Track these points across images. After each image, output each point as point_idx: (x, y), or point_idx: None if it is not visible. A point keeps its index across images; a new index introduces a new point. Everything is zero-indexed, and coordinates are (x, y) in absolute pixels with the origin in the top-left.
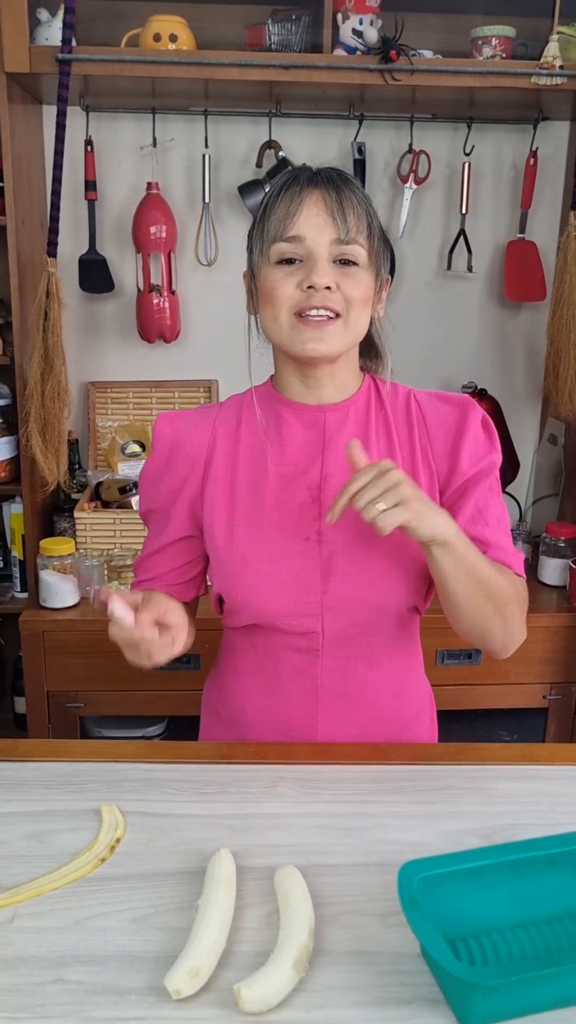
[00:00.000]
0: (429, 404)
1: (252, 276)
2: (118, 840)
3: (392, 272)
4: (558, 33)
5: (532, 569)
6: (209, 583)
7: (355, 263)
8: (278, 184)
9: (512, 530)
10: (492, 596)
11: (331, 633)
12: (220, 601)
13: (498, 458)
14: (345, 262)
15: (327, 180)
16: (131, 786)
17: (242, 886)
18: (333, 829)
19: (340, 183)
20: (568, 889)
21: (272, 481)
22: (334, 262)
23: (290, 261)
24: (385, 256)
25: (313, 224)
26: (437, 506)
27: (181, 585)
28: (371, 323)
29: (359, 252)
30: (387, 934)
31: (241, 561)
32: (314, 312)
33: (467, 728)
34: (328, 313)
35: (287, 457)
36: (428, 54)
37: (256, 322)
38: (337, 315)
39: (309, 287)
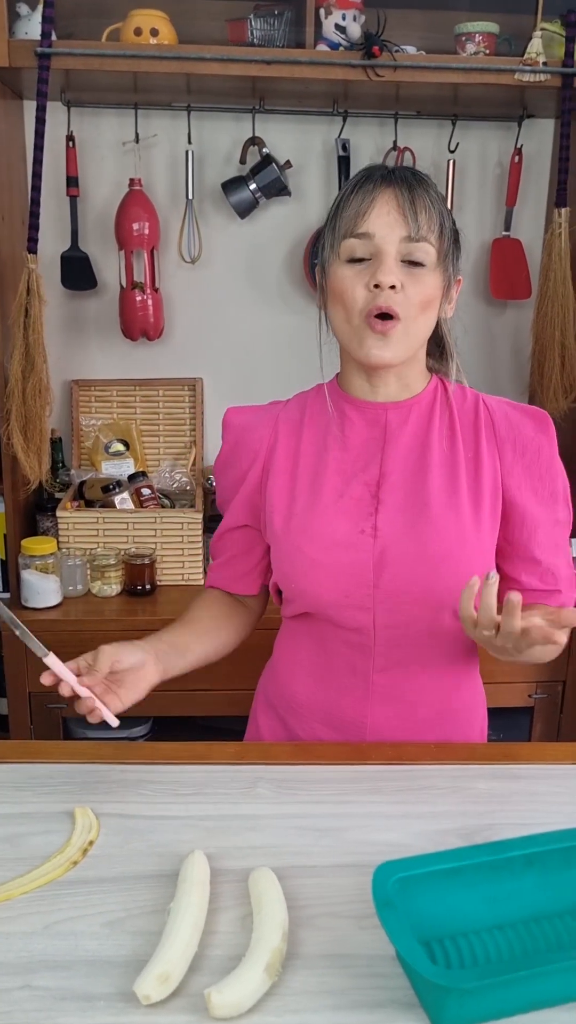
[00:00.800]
0: (498, 409)
1: (323, 272)
2: (91, 843)
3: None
4: (541, 29)
5: None
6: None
7: (422, 264)
8: (353, 181)
9: None
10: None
11: (383, 629)
12: (279, 592)
13: (567, 483)
14: (413, 262)
15: (401, 179)
16: (106, 788)
17: (216, 888)
18: (311, 830)
19: (414, 182)
20: (546, 889)
21: (331, 476)
22: (402, 261)
23: (360, 260)
24: (457, 257)
25: (384, 221)
26: None
27: (244, 575)
28: (439, 324)
29: (428, 251)
30: (362, 936)
31: (296, 550)
32: (379, 317)
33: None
34: (390, 319)
35: (348, 453)
36: (412, 50)
37: (325, 318)
38: (397, 319)
39: (375, 286)
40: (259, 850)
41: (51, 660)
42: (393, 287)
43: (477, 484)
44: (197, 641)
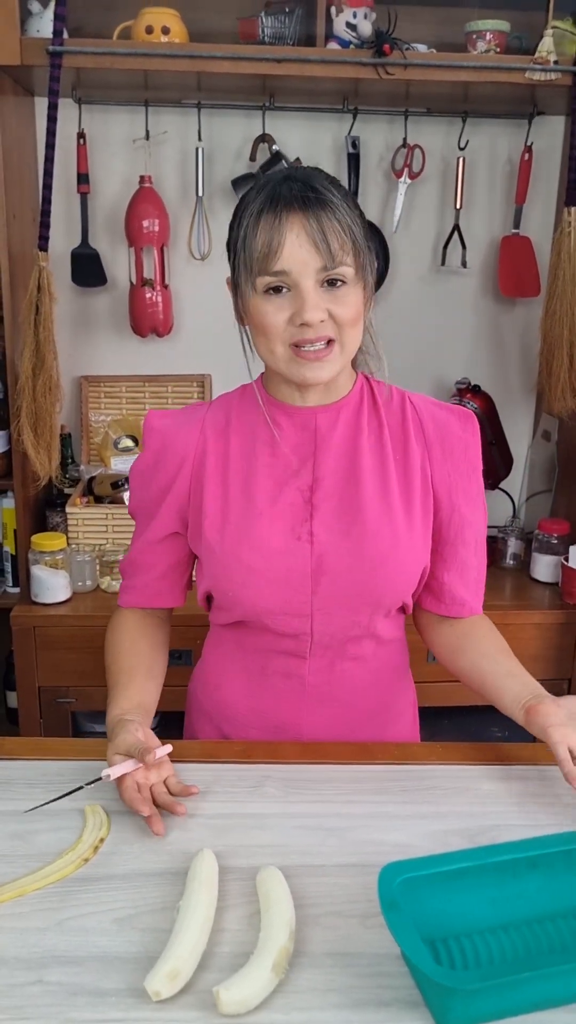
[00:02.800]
0: (424, 407)
1: (237, 289)
2: (102, 840)
3: (386, 267)
4: (552, 27)
5: (524, 566)
6: (195, 579)
7: (343, 282)
8: (255, 208)
9: (505, 527)
10: None
11: (320, 635)
12: (208, 600)
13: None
14: (332, 282)
15: (304, 204)
16: (115, 785)
17: (224, 887)
18: (317, 829)
19: (317, 206)
20: (550, 891)
21: (263, 481)
22: (321, 285)
23: (277, 289)
24: (371, 261)
25: (297, 258)
26: None
27: (174, 587)
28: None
29: (346, 272)
30: (368, 936)
31: (233, 558)
32: (309, 347)
33: (459, 725)
34: (322, 344)
35: (279, 459)
36: (422, 48)
37: (246, 332)
38: (331, 341)
39: (302, 324)
40: (266, 849)
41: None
42: (323, 320)
43: (407, 484)
44: (158, 686)
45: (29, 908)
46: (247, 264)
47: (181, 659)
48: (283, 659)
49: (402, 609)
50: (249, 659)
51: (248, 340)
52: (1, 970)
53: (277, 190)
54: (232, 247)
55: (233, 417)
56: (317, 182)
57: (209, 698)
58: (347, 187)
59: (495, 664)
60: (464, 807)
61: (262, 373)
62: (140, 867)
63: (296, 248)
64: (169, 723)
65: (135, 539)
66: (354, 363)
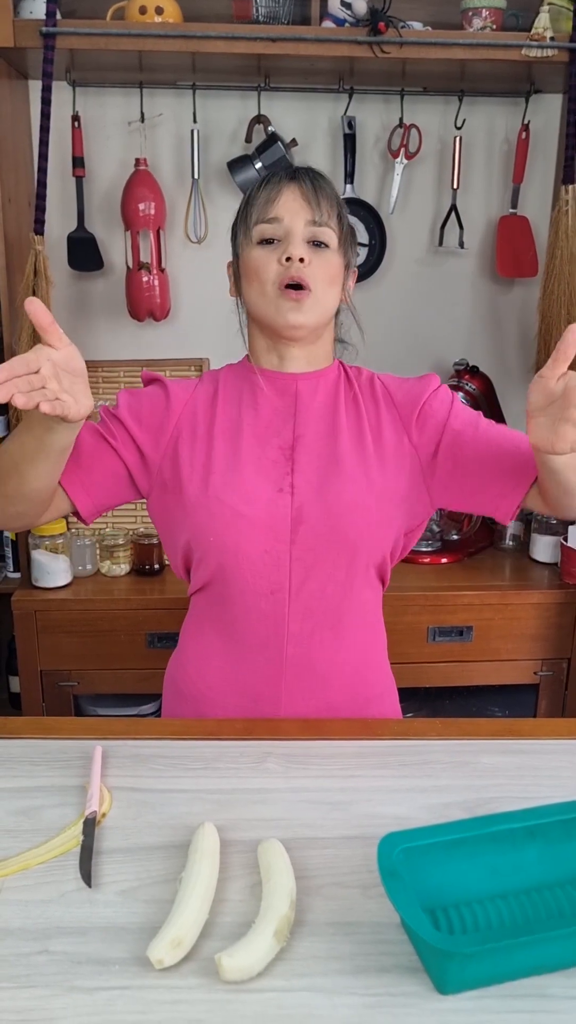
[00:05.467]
0: (391, 383)
1: (236, 260)
2: (104, 815)
3: (383, 249)
4: (549, 4)
5: (524, 546)
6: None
7: (327, 244)
8: (260, 180)
9: None
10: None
11: (297, 592)
12: (187, 569)
13: (452, 393)
14: (317, 244)
15: (304, 174)
16: (119, 762)
17: (226, 859)
18: (319, 803)
19: (315, 177)
20: (547, 860)
21: (247, 439)
22: (308, 243)
23: (270, 241)
24: (353, 249)
25: (290, 207)
26: None
27: (93, 486)
28: (337, 312)
29: (330, 235)
30: (368, 905)
31: (217, 502)
32: (292, 285)
33: (460, 704)
34: (302, 289)
35: (261, 420)
36: (418, 26)
37: (239, 304)
38: (309, 289)
39: (287, 259)
40: (268, 822)
41: None
42: (302, 260)
43: (380, 445)
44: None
45: (34, 881)
46: (247, 219)
47: (175, 643)
48: (260, 626)
49: (379, 580)
50: (227, 629)
51: (244, 318)
52: (7, 940)
53: (282, 170)
54: (236, 217)
55: (220, 386)
56: (316, 171)
57: (187, 677)
58: (343, 167)
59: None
60: (463, 780)
61: (247, 354)
62: (143, 841)
63: (290, 200)
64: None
65: (85, 427)
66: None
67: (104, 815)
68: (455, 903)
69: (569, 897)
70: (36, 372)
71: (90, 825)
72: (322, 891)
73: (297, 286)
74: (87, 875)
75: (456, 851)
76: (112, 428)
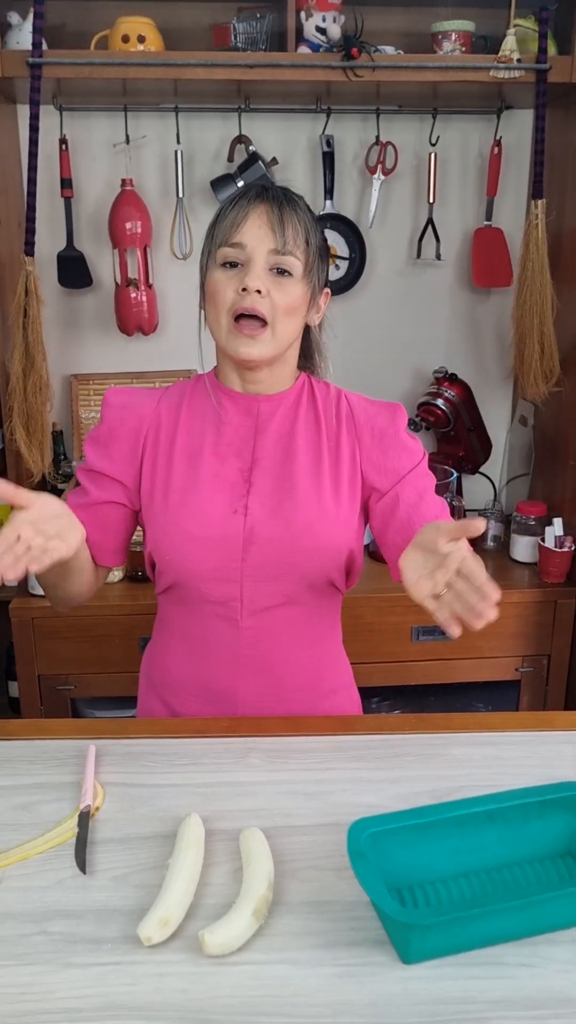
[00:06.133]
0: (357, 403)
1: (202, 276)
2: (97, 809)
3: (363, 262)
4: (515, 26)
5: (505, 547)
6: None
7: (289, 273)
8: (231, 196)
9: (485, 509)
10: None
11: (249, 601)
12: (152, 567)
13: (423, 451)
14: (280, 271)
15: (273, 197)
16: (111, 760)
17: (210, 847)
18: (297, 794)
19: (284, 201)
20: (506, 841)
21: (208, 456)
22: (270, 270)
23: (233, 265)
24: (322, 271)
25: (254, 234)
26: None
27: (115, 551)
28: (309, 330)
29: (294, 263)
30: (341, 886)
31: (173, 524)
32: (245, 318)
33: (443, 701)
34: (257, 321)
35: (223, 437)
36: (390, 50)
37: (204, 319)
38: (265, 323)
39: (243, 289)
40: (250, 812)
41: None
42: (259, 292)
43: (337, 468)
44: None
45: (32, 870)
46: (213, 239)
47: None
48: (218, 626)
49: (335, 588)
50: (189, 628)
51: (204, 323)
52: (8, 923)
53: (254, 187)
54: (207, 235)
55: (185, 400)
56: (287, 191)
57: (157, 670)
58: (322, 184)
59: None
60: (433, 771)
61: (215, 367)
62: (134, 832)
63: (255, 228)
64: None
65: (73, 497)
66: (301, 366)
67: (98, 809)
68: (420, 882)
69: (526, 875)
70: (17, 540)
71: (84, 818)
72: (298, 874)
73: (251, 316)
74: (82, 863)
75: (422, 834)
76: (95, 486)
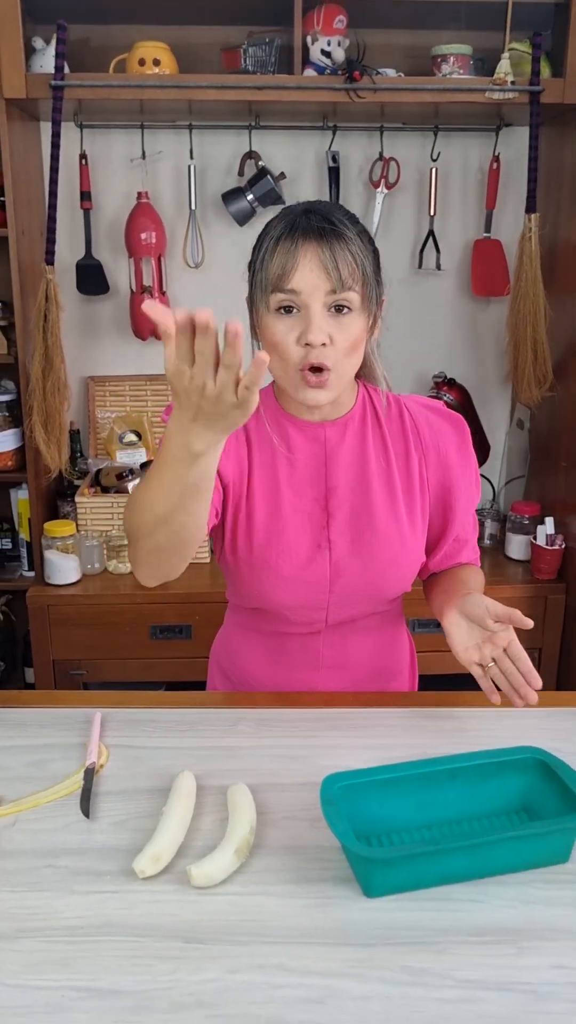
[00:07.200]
0: (419, 414)
1: (253, 309)
2: (101, 766)
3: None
4: (510, 49)
5: (500, 544)
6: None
7: (349, 308)
8: (275, 234)
9: (483, 509)
10: None
11: (333, 620)
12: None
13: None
14: (340, 307)
15: (319, 235)
16: (115, 725)
17: (201, 799)
18: (281, 757)
19: (333, 236)
20: (465, 798)
21: (285, 489)
22: (329, 309)
23: (288, 309)
24: (378, 293)
25: (308, 281)
26: None
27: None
28: (368, 358)
29: (352, 298)
30: (315, 833)
31: (262, 562)
32: (312, 370)
33: (437, 692)
34: (324, 371)
35: (296, 468)
36: (391, 72)
37: (258, 346)
38: (330, 369)
39: (306, 344)
40: (238, 772)
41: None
42: (324, 344)
43: (409, 488)
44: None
45: (42, 815)
46: (263, 284)
47: (182, 633)
48: (299, 637)
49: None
50: (268, 637)
51: (257, 345)
52: (21, 858)
53: (297, 221)
54: (251, 267)
55: (252, 429)
56: (334, 216)
57: (230, 663)
58: (330, 197)
59: (458, 584)
60: (406, 739)
61: (271, 384)
62: (133, 786)
63: (308, 272)
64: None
65: None
66: (357, 376)
67: (102, 766)
68: (387, 831)
69: (483, 827)
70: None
71: (89, 773)
72: (278, 823)
73: (317, 368)
74: (86, 809)
75: (389, 789)
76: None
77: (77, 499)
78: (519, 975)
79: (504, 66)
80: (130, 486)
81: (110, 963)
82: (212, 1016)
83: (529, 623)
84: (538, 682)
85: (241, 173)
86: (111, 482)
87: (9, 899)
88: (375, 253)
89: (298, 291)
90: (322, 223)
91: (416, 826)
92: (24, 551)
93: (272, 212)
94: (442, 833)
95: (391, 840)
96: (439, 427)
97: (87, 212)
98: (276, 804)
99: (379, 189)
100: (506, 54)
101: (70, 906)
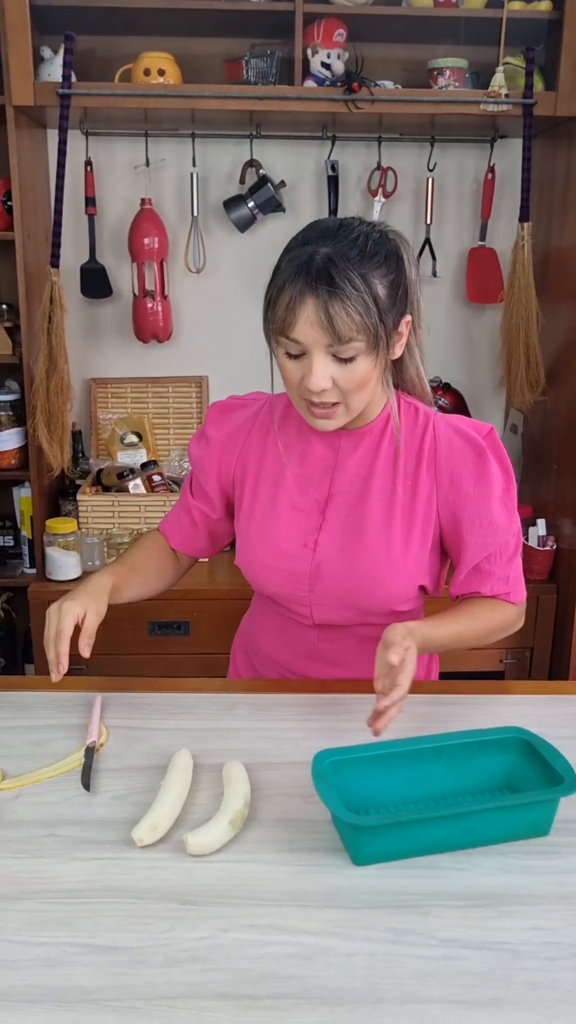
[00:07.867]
0: (444, 436)
1: (267, 340)
2: (102, 745)
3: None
4: (504, 63)
5: None
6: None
7: (352, 358)
8: (280, 280)
9: None
10: (473, 641)
11: (320, 618)
12: None
13: (510, 483)
14: (342, 359)
15: (316, 294)
16: (115, 708)
17: (197, 776)
18: (276, 739)
19: (329, 291)
20: (450, 775)
21: (290, 485)
22: (333, 357)
23: (294, 355)
24: (390, 328)
25: (307, 333)
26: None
27: (204, 546)
28: (403, 359)
29: (355, 347)
30: (307, 808)
31: (252, 550)
32: (317, 407)
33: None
34: (329, 404)
35: (305, 468)
36: (389, 84)
37: (274, 356)
38: (337, 403)
39: (308, 389)
40: (233, 752)
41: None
42: (325, 389)
43: (412, 507)
44: (140, 585)
45: (45, 789)
46: (272, 323)
47: (180, 629)
48: (297, 624)
49: (412, 604)
50: (275, 618)
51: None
52: (24, 827)
53: (303, 268)
54: (264, 299)
55: (279, 418)
56: (336, 271)
57: (250, 641)
58: (327, 207)
59: (451, 611)
60: (399, 723)
61: None
62: (132, 763)
63: (308, 327)
64: None
65: (190, 484)
66: (398, 384)
67: (102, 745)
68: (375, 805)
69: (467, 802)
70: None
71: (90, 751)
72: (271, 798)
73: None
74: (87, 784)
75: (377, 765)
76: (194, 487)
77: (79, 498)
78: (498, 935)
79: (499, 79)
80: (130, 486)
81: (109, 922)
82: (206, 970)
83: (396, 699)
84: (378, 728)
85: (242, 181)
86: (112, 481)
87: (12, 864)
88: (378, 296)
89: (299, 341)
90: (321, 279)
91: (402, 801)
92: (26, 548)
93: (272, 220)
94: (428, 808)
95: (379, 813)
96: (461, 453)
97: (91, 217)
98: (270, 781)
99: (377, 198)
100: (500, 68)
101: (71, 871)
